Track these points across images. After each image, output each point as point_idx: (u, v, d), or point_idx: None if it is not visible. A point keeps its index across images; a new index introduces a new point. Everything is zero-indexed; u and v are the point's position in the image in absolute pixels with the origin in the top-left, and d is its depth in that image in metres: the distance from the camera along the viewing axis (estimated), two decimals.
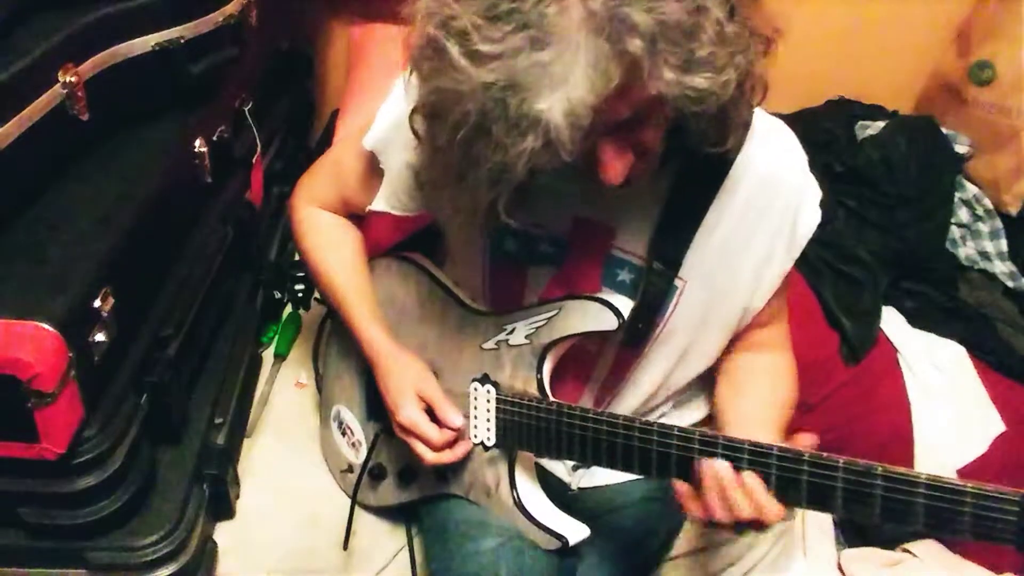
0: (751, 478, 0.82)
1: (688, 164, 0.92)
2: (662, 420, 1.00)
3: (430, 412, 1.01)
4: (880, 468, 0.77)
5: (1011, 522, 0.73)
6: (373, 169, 1.05)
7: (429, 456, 1.00)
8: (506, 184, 0.74)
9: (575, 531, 1.02)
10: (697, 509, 0.85)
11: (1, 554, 1.01)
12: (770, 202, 0.94)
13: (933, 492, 0.75)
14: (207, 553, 1.11)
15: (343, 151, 1.12)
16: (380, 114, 1.02)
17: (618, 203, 0.94)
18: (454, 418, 0.99)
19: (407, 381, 1.02)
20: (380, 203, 1.06)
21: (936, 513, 0.76)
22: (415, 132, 0.84)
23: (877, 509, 0.78)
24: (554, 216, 0.96)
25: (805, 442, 0.82)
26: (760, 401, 1.01)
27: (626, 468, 0.93)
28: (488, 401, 1.00)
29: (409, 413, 1.00)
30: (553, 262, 0.99)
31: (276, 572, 1.17)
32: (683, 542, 1.20)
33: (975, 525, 0.74)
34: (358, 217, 1.16)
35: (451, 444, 1.01)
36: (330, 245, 1.13)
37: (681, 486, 0.86)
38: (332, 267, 1.12)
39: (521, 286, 1.01)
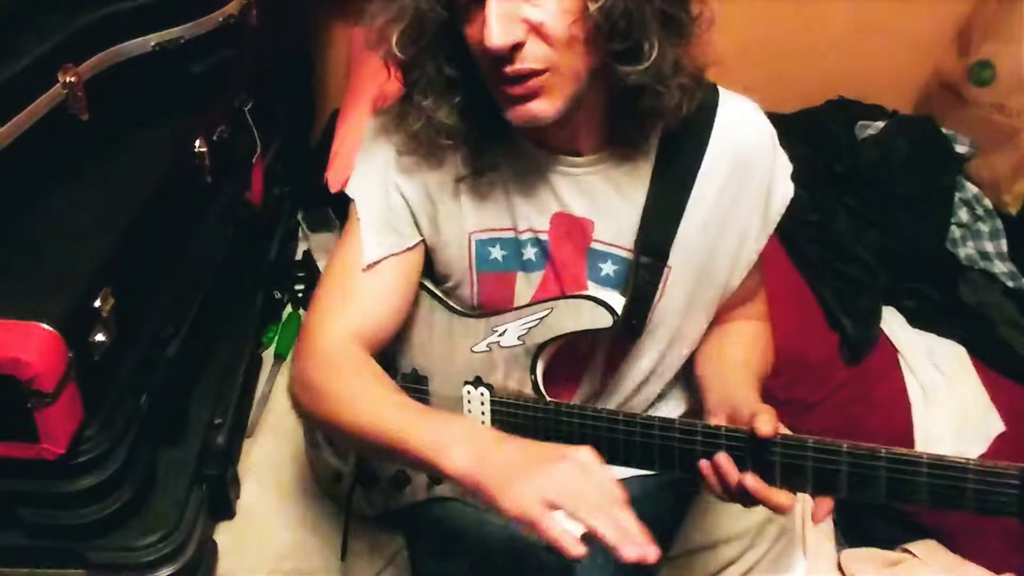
0: (752, 480, 0.82)
1: (664, 152, 0.93)
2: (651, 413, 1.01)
3: None
4: (884, 450, 0.79)
5: (1012, 495, 0.75)
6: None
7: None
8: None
9: (575, 528, 1.01)
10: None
11: (1, 554, 1.01)
12: (744, 181, 0.95)
13: (936, 470, 0.77)
14: (207, 553, 1.11)
15: (334, 265, 0.99)
16: (358, 160, 1.01)
17: (595, 195, 0.95)
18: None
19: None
20: (374, 251, 0.96)
21: (940, 490, 0.77)
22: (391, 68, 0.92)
23: (882, 489, 0.80)
24: (534, 214, 0.97)
25: (763, 428, 0.81)
26: (737, 355, 1.03)
27: (627, 463, 0.93)
28: (482, 404, 1.00)
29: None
30: (538, 266, 0.99)
31: (276, 572, 1.17)
32: (683, 541, 1.20)
33: (977, 500, 0.76)
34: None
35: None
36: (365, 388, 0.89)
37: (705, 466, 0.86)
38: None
39: (509, 294, 1.01)
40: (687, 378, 1.11)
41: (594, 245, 0.97)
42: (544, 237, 0.97)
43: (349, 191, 1.01)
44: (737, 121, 0.95)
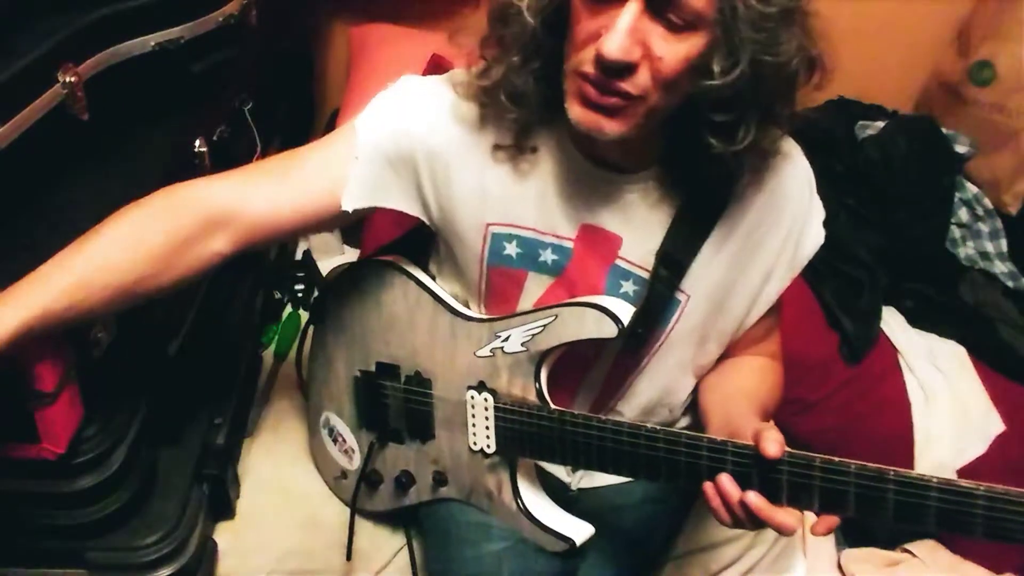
0: (754, 497, 0.81)
1: (701, 176, 0.91)
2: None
3: None
4: (892, 472, 0.77)
5: (1022, 522, 0.73)
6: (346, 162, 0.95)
7: None
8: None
9: (581, 531, 1.01)
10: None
11: (1, 554, 1.01)
12: (776, 221, 0.94)
13: (945, 495, 0.75)
14: (207, 553, 1.11)
15: (306, 149, 1.00)
16: (388, 96, 0.97)
17: (630, 213, 0.94)
18: None
19: None
20: (357, 201, 0.93)
21: (948, 515, 0.76)
22: (484, 58, 0.89)
23: (890, 512, 0.78)
24: (563, 221, 0.95)
25: (770, 449, 0.80)
26: (744, 385, 1.02)
27: (633, 474, 0.92)
28: (486, 409, 0.99)
29: None
30: (554, 271, 0.98)
31: (276, 573, 1.17)
32: (683, 542, 1.21)
33: (987, 526, 0.75)
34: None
35: None
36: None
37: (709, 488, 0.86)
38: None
39: (517, 292, 1.00)
40: (692, 406, 1.10)
41: (618, 262, 0.96)
42: (568, 245, 0.96)
43: (359, 123, 0.96)
44: (777, 160, 0.93)
